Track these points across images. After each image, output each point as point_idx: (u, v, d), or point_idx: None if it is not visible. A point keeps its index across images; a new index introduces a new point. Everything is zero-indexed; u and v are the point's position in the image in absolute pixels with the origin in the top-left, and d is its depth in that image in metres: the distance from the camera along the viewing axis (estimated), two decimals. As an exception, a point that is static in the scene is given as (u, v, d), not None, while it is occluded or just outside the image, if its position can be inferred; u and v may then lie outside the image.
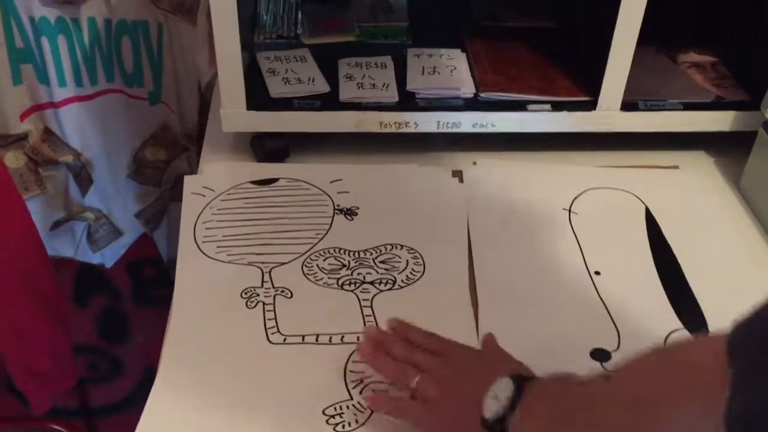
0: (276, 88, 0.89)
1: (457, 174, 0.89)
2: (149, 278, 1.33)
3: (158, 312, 1.39)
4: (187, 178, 0.85)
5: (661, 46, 0.98)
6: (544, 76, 0.93)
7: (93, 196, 1.22)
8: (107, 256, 1.29)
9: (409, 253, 0.78)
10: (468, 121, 0.88)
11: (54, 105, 1.13)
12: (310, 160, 0.91)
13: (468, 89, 0.90)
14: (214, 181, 0.85)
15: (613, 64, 0.84)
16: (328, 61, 0.95)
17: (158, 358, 0.69)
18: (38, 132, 1.16)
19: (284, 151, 0.90)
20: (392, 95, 0.89)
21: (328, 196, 0.85)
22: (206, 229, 0.79)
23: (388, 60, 0.95)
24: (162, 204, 1.26)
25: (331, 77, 0.92)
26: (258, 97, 0.88)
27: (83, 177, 1.20)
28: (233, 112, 0.86)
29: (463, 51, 0.96)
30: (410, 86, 0.90)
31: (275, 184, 0.85)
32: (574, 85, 0.90)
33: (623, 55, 0.84)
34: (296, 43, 0.97)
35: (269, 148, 0.89)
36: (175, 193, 1.26)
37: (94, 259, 1.28)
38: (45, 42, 1.07)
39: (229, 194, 0.83)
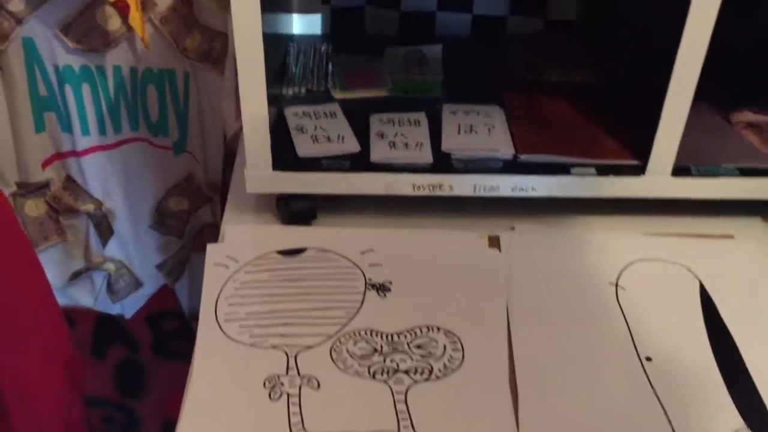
0: (304, 148, 0.84)
1: (494, 240, 0.83)
2: (169, 331, 1.29)
3: (178, 365, 1.35)
4: (210, 248, 0.80)
5: (714, 104, 0.92)
6: (588, 136, 0.87)
7: (114, 246, 1.18)
8: (127, 307, 1.25)
9: (446, 336, 0.72)
10: (507, 185, 0.83)
11: (76, 153, 1.10)
12: (339, 222, 0.86)
13: (507, 150, 0.85)
14: (238, 249, 0.80)
15: (665, 126, 0.79)
16: (359, 116, 0.90)
17: (177, 412, 0.64)
18: (60, 180, 1.13)
19: (311, 212, 0.85)
20: (426, 156, 0.84)
21: (360, 269, 0.79)
22: (229, 305, 0.74)
23: (422, 116, 0.90)
24: (184, 255, 1.22)
25: (362, 134, 0.88)
26: (284, 157, 0.83)
27: (104, 227, 1.16)
28: (258, 174, 0.82)
29: (501, 107, 0.91)
30: (445, 146, 0.85)
31: (303, 254, 0.80)
32: (621, 146, 0.85)
33: (677, 116, 0.78)
34: (326, 98, 0.93)
35: (295, 209, 0.84)
36: (198, 244, 1.22)
37: (114, 309, 1.25)
38: (69, 90, 1.05)
39: (253, 266, 0.78)
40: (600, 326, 0.73)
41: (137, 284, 1.23)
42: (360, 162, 0.84)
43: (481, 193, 0.84)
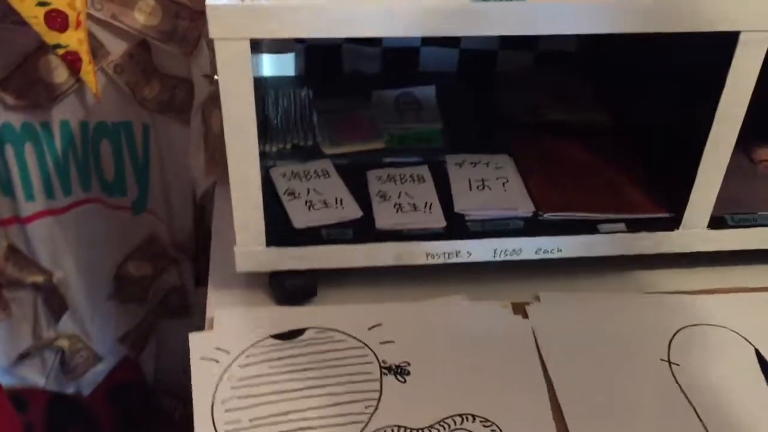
0: (300, 218, 0.74)
1: (519, 307, 0.75)
2: (134, 405, 1.15)
3: (145, 443, 1.22)
4: (193, 337, 0.69)
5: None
6: (611, 185, 0.79)
7: (68, 320, 1.05)
8: (84, 384, 1.11)
9: (484, 426, 0.63)
10: (530, 248, 0.74)
11: (20, 220, 0.96)
12: (342, 297, 0.76)
13: (526, 208, 0.76)
14: (228, 337, 0.69)
15: (703, 177, 0.71)
16: (354, 173, 0.80)
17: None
18: (1, 250, 0.99)
19: (310, 290, 0.75)
20: (438, 219, 0.75)
21: (370, 349, 0.69)
22: (227, 412, 0.63)
23: (425, 171, 0.81)
24: (148, 324, 1.09)
25: (361, 195, 0.77)
26: (278, 229, 0.72)
27: (56, 301, 1.03)
28: (249, 251, 0.71)
29: (509, 155, 0.83)
30: (459, 207, 0.76)
31: (302, 337, 0.70)
32: (650, 198, 0.77)
33: (716, 166, 0.71)
34: (315, 153, 0.82)
35: (292, 288, 0.74)
36: (163, 310, 1.09)
37: (69, 387, 1.11)
38: (9, 150, 0.91)
39: (248, 356, 0.67)
40: (661, 410, 0.65)
41: (96, 359, 1.09)
42: (364, 230, 0.74)
43: (502, 257, 0.75)
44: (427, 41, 0.97)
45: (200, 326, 1.12)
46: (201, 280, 1.04)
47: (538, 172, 0.80)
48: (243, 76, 0.61)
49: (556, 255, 0.75)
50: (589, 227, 0.75)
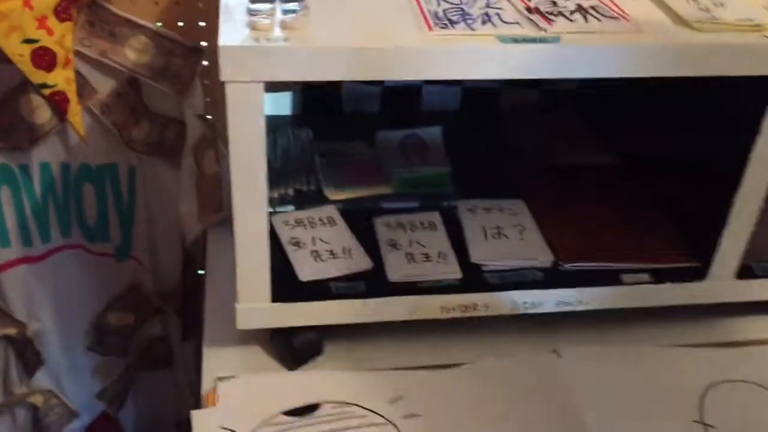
0: (306, 270, 0.68)
1: (544, 363, 0.70)
2: (112, 465, 1.08)
3: None
4: (197, 416, 0.62)
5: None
6: (631, 232, 0.75)
7: (42, 374, 0.97)
8: (58, 442, 1.03)
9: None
10: (550, 300, 0.70)
11: (-8, 269, 0.90)
12: (350, 354, 0.70)
13: (545, 257, 0.72)
14: (233, 415, 0.62)
15: (735, 223, 0.68)
16: (361, 220, 0.75)
17: None
18: (-29, 301, 0.92)
19: (316, 348, 0.69)
20: (452, 269, 0.70)
21: (394, 426, 0.64)
22: None
23: (436, 218, 0.76)
24: (128, 378, 1.02)
25: (370, 243, 0.72)
26: (283, 283, 0.67)
27: (29, 354, 0.95)
28: (252, 307, 0.66)
29: (522, 199, 0.79)
30: (475, 257, 0.71)
31: (318, 412, 0.64)
32: (674, 246, 0.73)
33: (749, 212, 0.68)
34: (319, 199, 0.77)
35: (298, 346, 0.68)
36: (145, 363, 1.02)
37: (41, 446, 1.03)
38: (-17, 195, 0.85)
39: (258, 437, 0.62)
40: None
41: (71, 416, 1.02)
42: (376, 283, 0.69)
43: (521, 310, 0.70)
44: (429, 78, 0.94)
45: (185, 380, 1.05)
46: (187, 333, 0.98)
47: (555, 218, 0.76)
48: (255, 121, 0.56)
49: (577, 307, 0.71)
50: (611, 278, 0.71)
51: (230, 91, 0.55)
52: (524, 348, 0.72)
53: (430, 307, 0.69)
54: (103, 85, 0.83)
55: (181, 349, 1.02)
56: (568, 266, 0.71)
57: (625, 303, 0.72)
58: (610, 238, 0.74)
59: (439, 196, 0.79)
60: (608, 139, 0.89)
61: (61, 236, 0.91)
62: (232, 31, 0.55)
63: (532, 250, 0.72)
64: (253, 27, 0.56)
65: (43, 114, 0.81)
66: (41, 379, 0.98)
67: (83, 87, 0.81)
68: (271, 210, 0.75)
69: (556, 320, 0.73)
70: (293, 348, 0.68)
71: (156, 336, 1.02)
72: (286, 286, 0.67)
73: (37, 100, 0.80)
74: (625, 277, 0.71)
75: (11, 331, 0.94)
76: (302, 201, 0.77)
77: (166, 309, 0.99)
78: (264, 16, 0.57)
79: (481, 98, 0.96)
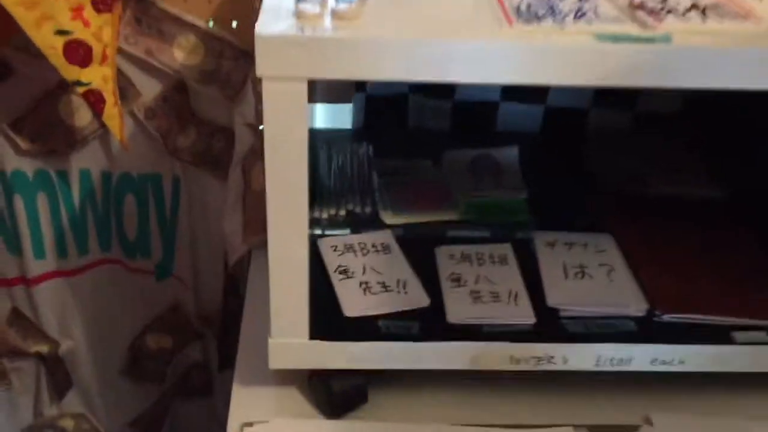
0: (353, 304, 0.59)
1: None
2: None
3: None
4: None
5: None
6: (742, 280, 0.63)
7: (73, 397, 0.91)
8: (89, 470, 0.96)
9: None
10: (643, 357, 0.58)
11: (26, 281, 0.84)
12: (399, 405, 0.61)
13: (639, 305, 0.60)
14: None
15: None
16: (420, 249, 0.65)
17: None
18: (4, 313, 0.86)
19: (360, 395, 0.60)
20: (526, 314, 0.60)
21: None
22: None
23: (507, 250, 0.66)
24: (163, 406, 0.95)
25: (428, 276, 0.63)
26: (325, 318, 0.58)
27: (60, 374, 0.89)
28: (287, 343, 0.57)
29: (611, 234, 0.68)
30: (553, 301, 0.60)
31: (356, 467, 0.54)
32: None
33: None
34: (374, 223, 0.68)
35: (340, 392, 0.59)
36: (183, 389, 0.95)
37: (71, 473, 0.96)
38: (19, 201, 0.79)
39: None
40: None
41: (103, 444, 0.95)
42: (433, 324, 0.59)
43: (608, 366, 0.59)
44: (507, 95, 0.84)
45: (224, 411, 0.97)
46: (225, 362, 0.90)
47: (650, 259, 0.65)
48: (296, 126, 0.48)
49: (676, 368, 0.59)
50: (720, 335, 0.59)
51: (268, 88, 0.46)
52: (608, 413, 0.60)
53: (496, 356, 0.58)
54: (149, 88, 0.76)
55: (221, 377, 0.94)
56: (666, 317, 0.59)
57: (735, 366, 0.59)
58: (716, 286, 0.62)
59: (512, 225, 0.69)
60: (713, 169, 0.77)
61: (99, 249, 0.85)
62: (274, 18, 0.47)
63: (623, 295, 0.61)
64: (299, 15, 0.48)
65: (83, 116, 0.75)
66: (72, 401, 0.91)
67: (127, 89, 0.75)
68: (318, 232, 0.67)
69: (648, 381, 0.61)
70: (333, 393, 0.59)
71: (195, 362, 0.94)
72: (329, 321, 0.58)
73: (77, 101, 0.74)
74: (738, 336, 0.59)
75: (43, 348, 0.88)
76: (355, 224, 0.68)
77: (206, 333, 0.92)
78: (314, 3, 0.48)
79: (565, 118, 0.85)
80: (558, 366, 0.59)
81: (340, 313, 0.59)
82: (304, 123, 0.49)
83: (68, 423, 0.92)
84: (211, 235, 0.85)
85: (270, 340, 0.56)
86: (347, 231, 0.67)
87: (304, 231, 0.52)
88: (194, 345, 0.92)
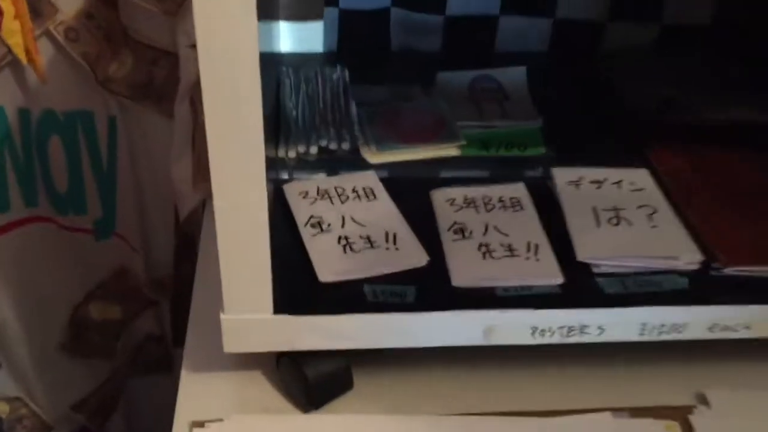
0: (330, 266, 0.46)
1: (681, 420, 0.47)
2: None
3: None
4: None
5: None
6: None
7: (6, 378, 0.78)
8: (32, 459, 0.84)
9: None
10: (700, 321, 0.46)
11: (-63, 245, 0.70)
12: (391, 392, 0.48)
13: (691, 255, 0.48)
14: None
15: None
16: (412, 194, 0.53)
17: None
18: None
19: (342, 380, 0.48)
20: (551, 272, 0.47)
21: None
22: None
23: (521, 192, 0.53)
24: (116, 384, 0.82)
25: (425, 227, 0.50)
26: (294, 285, 0.45)
27: (-11, 354, 0.76)
28: (245, 320, 0.44)
29: (647, 170, 0.55)
30: (584, 254, 0.48)
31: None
32: None
33: None
34: (354, 163, 0.55)
35: (315, 378, 0.46)
36: (137, 366, 0.82)
37: (12, 463, 0.84)
38: None
39: None
40: None
41: (45, 430, 0.82)
42: (433, 288, 0.46)
43: (654, 336, 0.47)
44: (508, 7, 0.70)
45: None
46: (181, 336, 0.77)
47: (699, 198, 0.52)
48: (242, 30, 0.34)
49: (740, 334, 0.47)
50: (795, 291, 0.47)
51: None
52: (654, 393, 0.48)
53: (514, 327, 0.46)
54: (68, 3, 0.61)
55: (181, 353, 0.81)
56: (728, 270, 0.47)
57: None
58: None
59: (525, 161, 0.56)
60: (761, 87, 0.64)
61: (23, 205, 0.70)
62: None
63: (670, 243, 0.48)
64: None
65: (-14, 40, 0.61)
66: (5, 383, 0.78)
67: (39, 2, 0.60)
68: (283, 176, 0.53)
69: (702, 352, 0.49)
70: (307, 381, 0.46)
71: (150, 334, 0.81)
72: (299, 290, 0.45)
73: (-25, 19, 0.59)
74: (817, 291, 0.47)
75: (-36, 324, 0.75)
76: (330, 164, 0.54)
77: (161, 301, 0.79)
78: None
79: (577, 34, 0.71)
80: (592, 337, 0.46)
81: (313, 279, 0.46)
82: (252, 23, 0.35)
83: (2, 408, 0.79)
84: (158, 185, 0.71)
85: (223, 317, 0.43)
86: (321, 173, 0.54)
87: (260, 175, 0.39)
88: (147, 315, 0.79)
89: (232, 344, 0.44)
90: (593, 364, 0.50)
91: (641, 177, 0.54)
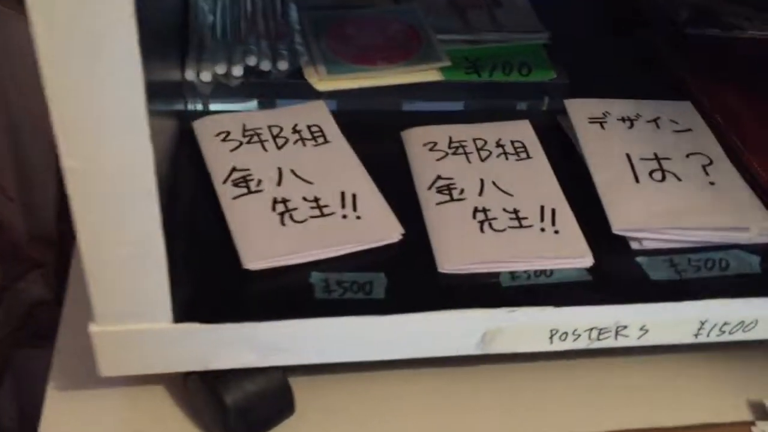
0: (258, 245, 0.31)
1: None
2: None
3: None
4: None
5: None
6: None
7: None
8: None
9: None
10: (774, 317, 0.34)
11: None
12: (350, 416, 0.35)
13: (763, 223, 0.36)
14: None
15: None
16: (378, 134, 0.38)
17: None
18: None
19: (279, 404, 0.34)
20: (576, 249, 0.33)
21: None
22: None
23: (525, 131, 0.39)
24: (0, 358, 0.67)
25: (396, 184, 0.36)
26: (204, 277, 0.30)
27: None
28: (132, 332, 0.29)
29: (691, 101, 0.42)
30: (620, 224, 0.34)
31: None
32: None
33: None
34: (294, 89, 0.40)
35: (239, 403, 0.32)
36: (24, 335, 0.67)
37: None
38: None
39: None
40: None
41: None
42: (410, 276, 0.32)
43: (712, 337, 0.35)
44: None
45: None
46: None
47: (765, 142, 0.39)
48: None
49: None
50: None
51: None
52: (702, 406, 0.36)
53: (526, 329, 0.32)
54: None
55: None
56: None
57: None
58: None
59: (529, 90, 0.42)
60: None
61: None
62: None
63: (735, 207, 0.35)
64: None
65: None
66: None
67: None
68: (193, 107, 0.38)
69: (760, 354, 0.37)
70: (226, 408, 0.32)
71: (38, 299, 0.66)
72: (213, 283, 0.31)
73: None
74: None
75: None
76: (262, 92, 0.39)
77: (47, 261, 0.63)
78: None
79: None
80: (631, 341, 0.34)
81: (235, 265, 0.31)
82: None
83: None
84: (34, 116, 0.54)
85: (93, 329, 0.29)
86: (248, 104, 0.39)
87: (138, 112, 0.23)
88: (32, 277, 0.64)
89: (111, 365, 0.30)
90: (628, 376, 0.37)
91: (684, 112, 0.40)
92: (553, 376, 0.36)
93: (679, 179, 0.36)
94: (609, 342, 0.33)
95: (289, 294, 0.31)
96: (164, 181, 0.30)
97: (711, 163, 0.37)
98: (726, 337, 0.34)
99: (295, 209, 0.33)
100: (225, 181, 0.33)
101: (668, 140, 0.38)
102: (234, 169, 0.34)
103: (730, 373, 0.37)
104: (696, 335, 0.34)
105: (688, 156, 0.37)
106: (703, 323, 0.33)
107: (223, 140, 0.35)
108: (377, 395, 0.35)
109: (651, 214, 0.34)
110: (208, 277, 0.31)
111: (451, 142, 0.37)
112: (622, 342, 0.33)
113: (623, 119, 0.39)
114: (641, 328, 0.33)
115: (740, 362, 0.37)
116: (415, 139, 0.37)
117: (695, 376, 0.37)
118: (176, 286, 0.28)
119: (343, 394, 0.35)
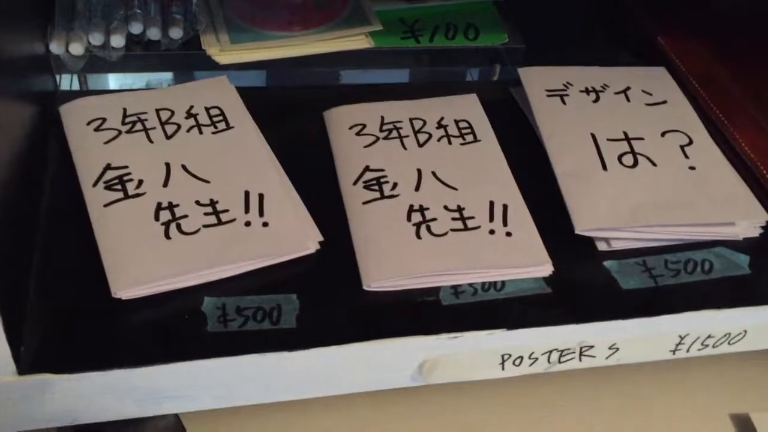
0: (136, 265, 0.25)
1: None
2: None
3: None
4: None
5: None
6: None
7: None
8: None
9: None
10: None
11: None
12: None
13: (752, 214, 0.30)
14: None
15: None
16: (294, 115, 0.32)
17: None
18: None
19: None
20: (532, 256, 0.27)
21: None
22: None
23: (472, 108, 0.33)
24: None
25: (313, 178, 0.30)
26: (63, 311, 0.24)
27: None
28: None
29: (664, 64, 0.36)
30: (584, 223, 0.28)
31: None
32: None
33: None
34: (189, 61, 0.33)
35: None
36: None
37: None
38: None
39: None
40: None
41: None
42: (329, 297, 0.27)
43: (693, 352, 0.29)
44: None
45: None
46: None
47: (746, 111, 0.34)
48: None
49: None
50: None
51: None
52: (677, 418, 0.32)
53: (471, 356, 0.27)
54: None
55: None
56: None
57: None
58: None
59: (477, 57, 0.36)
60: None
61: None
62: None
63: (720, 196, 0.30)
64: None
65: None
66: None
67: None
68: (59, 90, 0.31)
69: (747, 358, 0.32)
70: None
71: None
72: (75, 318, 0.24)
73: None
74: None
75: None
76: (148, 67, 0.32)
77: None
78: None
79: None
80: (598, 361, 0.28)
81: (104, 292, 0.25)
82: None
83: None
84: None
85: None
86: (130, 82, 0.32)
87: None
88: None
89: (-55, 429, 0.24)
90: (587, 395, 0.32)
91: (658, 80, 0.34)
92: (508, 398, 0.31)
93: (654, 164, 0.30)
94: (572, 364, 0.28)
95: (174, 328, 0.25)
96: (18, 186, 0.23)
97: (690, 142, 0.31)
98: (709, 351, 0.29)
99: (184, 217, 0.26)
100: (95, 184, 0.27)
101: (641, 116, 0.32)
102: (108, 167, 0.27)
103: (706, 383, 0.33)
104: (674, 351, 0.29)
105: (663, 135, 0.31)
106: (682, 338, 0.28)
107: (97, 129, 0.28)
108: (303, 426, 0.30)
109: (620, 208, 0.29)
110: (69, 311, 0.24)
111: (383, 123, 0.31)
112: (587, 363, 0.28)
113: (587, 91, 0.33)
114: (610, 347, 0.28)
115: (723, 373, 0.33)
116: (339, 120, 0.31)
117: (669, 389, 0.32)
118: (24, 328, 0.22)
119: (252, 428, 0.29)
